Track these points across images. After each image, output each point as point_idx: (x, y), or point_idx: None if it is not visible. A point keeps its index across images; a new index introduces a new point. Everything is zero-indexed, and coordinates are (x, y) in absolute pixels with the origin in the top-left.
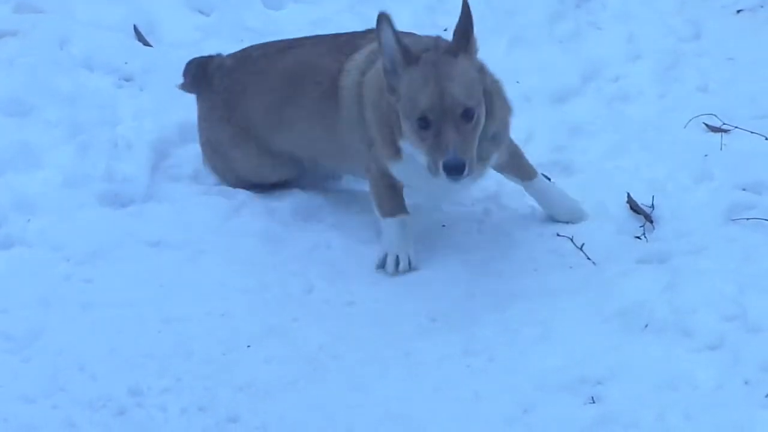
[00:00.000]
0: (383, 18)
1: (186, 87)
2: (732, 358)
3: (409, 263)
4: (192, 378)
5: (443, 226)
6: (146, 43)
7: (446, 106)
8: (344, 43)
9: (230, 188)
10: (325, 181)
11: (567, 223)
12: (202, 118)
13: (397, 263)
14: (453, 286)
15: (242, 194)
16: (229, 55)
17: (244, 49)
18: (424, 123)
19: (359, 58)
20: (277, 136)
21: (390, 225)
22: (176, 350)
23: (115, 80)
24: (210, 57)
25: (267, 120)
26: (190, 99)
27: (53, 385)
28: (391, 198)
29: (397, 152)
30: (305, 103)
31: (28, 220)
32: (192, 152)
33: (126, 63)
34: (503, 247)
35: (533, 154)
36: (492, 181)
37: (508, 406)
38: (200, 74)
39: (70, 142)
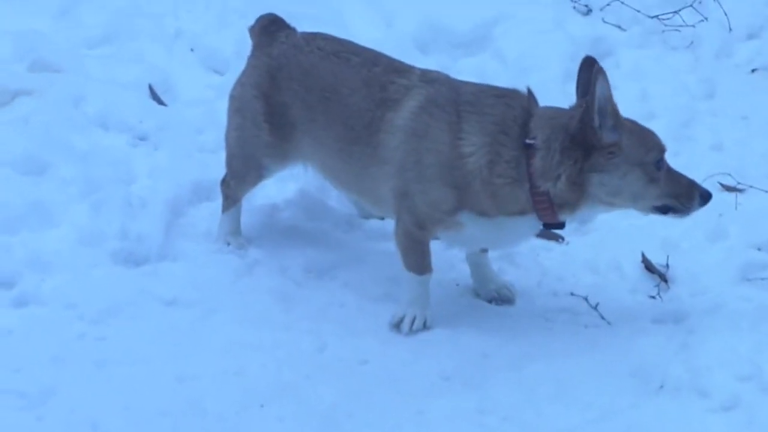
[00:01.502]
0: (600, 72)
1: (252, 31)
2: (747, 419)
3: (425, 323)
4: None
5: (457, 284)
6: (161, 102)
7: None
8: (387, 82)
9: (243, 247)
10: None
11: (500, 302)
12: (245, 71)
13: (413, 322)
14: (466, 345)
15: (255, 252)
16: (302, 33)
17: (315, 34)
18: (660, 164)
19: (413, 107)
20: (304, 138)
21: (414, 280)
22: (190, 408)
23: (129, 139)
24: (284, 22)
25: (301, 113)
26: (205, 158)
27: None
28: (422, 254)
29: (516, 212)
30: (341, 129)
31: (42, 279)
32: (206, 211)
33: (141, 122)
34: (517, 306)
35: None
36: None
37: None
38: (269, 30)
39: (84, 200)
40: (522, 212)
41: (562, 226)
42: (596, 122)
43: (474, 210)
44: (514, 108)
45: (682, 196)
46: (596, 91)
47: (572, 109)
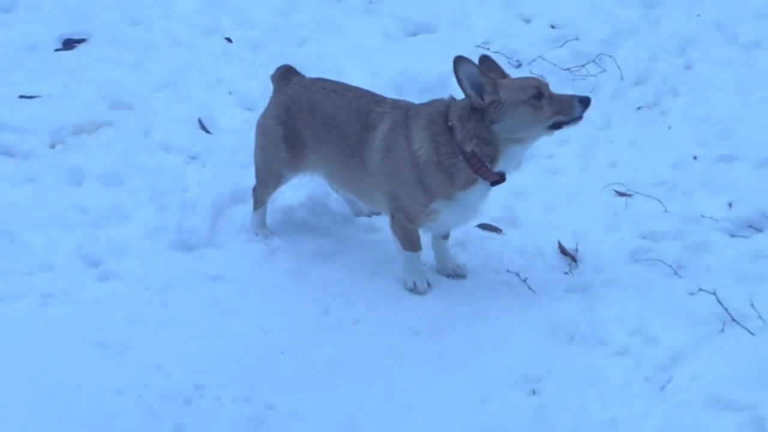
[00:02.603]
0: (460, 60)
1: (273, 78)
2: (635, 362)
3: (428, 283)
4: (240, 377)
5: (424, 264)
6: (207, 131)
7: (545, 83)
8: (369, 111)
9: (268, 237)
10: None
11: (456, 277)
12: (267, 107)
13: (422, 285)
14: (431, 309)
15: (277, 241)
16: (309, 77)
17: (319, 78)
18: (539, 95)
19: (385, 129)
20: (312, 154)
21: (411, 257)
22: (228, 356)
23: (184, 158)
24: (296, 71)
25: (310, 136)
26: (241, 172)
27: (138, 382)
28: (415, 239)
29: (467, 184)
30: (339, 148)
31: (120, 260)
32: (241, 211)
33: (193, 146)
34: (468, 280)
35: (491, 212)
36: (460, 233)
37: (471, 397)
38: (286, 76)
39: (151, 204)
40: (471, 181)
41: (503, 178)
42: (473, 94)
43: (442, 196)
44: (438, 107)
45: (565, 109)
46: (458, 74)
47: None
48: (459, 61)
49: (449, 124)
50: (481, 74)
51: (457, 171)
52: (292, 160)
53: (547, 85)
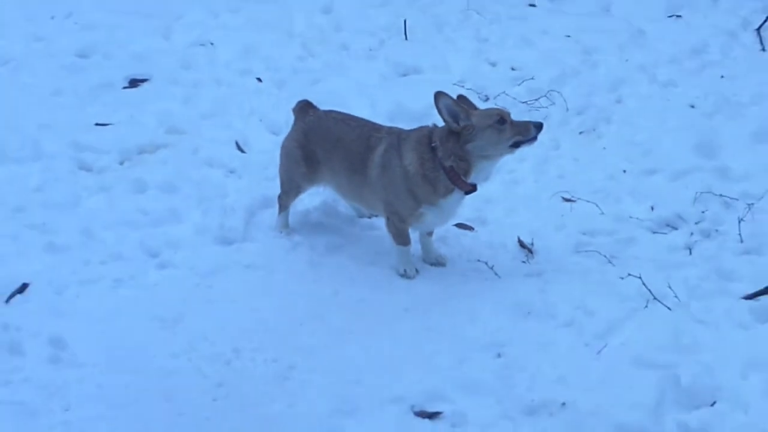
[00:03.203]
0: (440, 94)
1: (294, 110)
2: (577, 331)
3: (416, 270)
4: (269, 343)
5: (412, 255)
6: (242, 151)
7: (507, 112)
8: (369, 136)
9: (290, 234)
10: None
11: (437, 265)
12: (290, 132)
13: (411, 271)
14: (418, 290)
15: (297, 237)
16: (323, 110)
17: (330, 110)
18: (502, 121)
19: (381, 150)
20: (324, 170)
21: (403, 250)
22: (259, 327)
23: (224, 172)
24: (312, 104)
25: (322, 157)
26: (269, 183)
27: (189, 347)
28: (405, 236)
29: (447, 192)
30: (345, 165)
31: (175, 252)
32: (269, 214)
33: (231, 162)
34: (447, 267)
35: (465, 214)
36: (441, 231)
37: (450, 359)
38: (304, 109)
39: (198, 208)
40: (449, 190)
41: (475, 188)
42: (450, 120)
43: (427, 203)
44: (424, 132)
45: (523, 131)
46: (438, 105)
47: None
48: (439, 95)
49: (433, 145)
50: (456, 105)
51: (439, 182)
52: (308, 174)
53: (508, 114)
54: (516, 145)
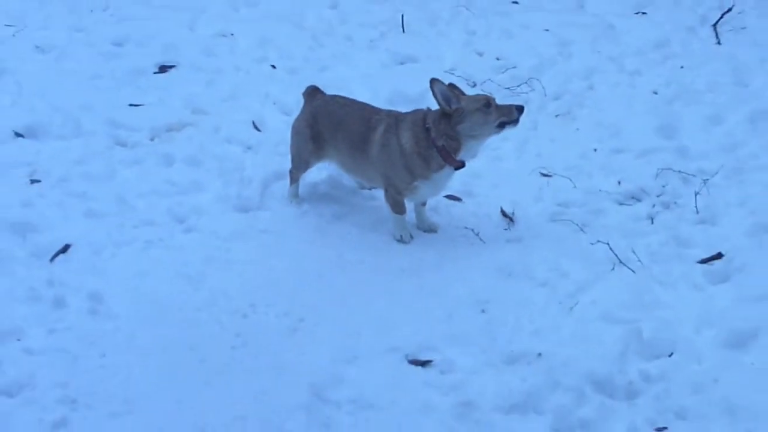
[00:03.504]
0: (435, 81)
1: (304, 94)
2: (552, 291)
3: (411, 235)
4: (281, 299)
5: (408, 223)
6: (258, 130)
7: (493, 97)
8: (370, 118)
9: (300, 204)
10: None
11: (429, 231)
12: (299, 114)
13: (406, 237)
14: (412, 253)
15: (306, 206)
16: (329, 95)
17: (335, 95)
18: (488, 104)
19: (381, 131)
20: (330, 148)
21: (399, 218)
22: (272, 284)
23: (242, 148)
24: (320, 89)
25: (328, 136)
26: (281, 158)
27: (210, 302)
28: (402, 205)
29: (439, 168)
30: (349, 143)
31: (198, 218)
32: (281, 185)
33: (249, 140)
34: (438, 234)
35: (455, 187)
36: (433, 202)
37: (440, 314)
38: (312, 93)
39: (219, 179)
40: (441, 166)
41: (463, 164)
42: (444, 103)
43: (421, 177)
44: (419, 115)
45: (507, 114)
46: (434, 90)
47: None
48: (434, 81)
49: (426, 126)
50: (449, 90)
51: (432, 159)
52: (316, 152)
53: (494, 99)
54: (501, 126)
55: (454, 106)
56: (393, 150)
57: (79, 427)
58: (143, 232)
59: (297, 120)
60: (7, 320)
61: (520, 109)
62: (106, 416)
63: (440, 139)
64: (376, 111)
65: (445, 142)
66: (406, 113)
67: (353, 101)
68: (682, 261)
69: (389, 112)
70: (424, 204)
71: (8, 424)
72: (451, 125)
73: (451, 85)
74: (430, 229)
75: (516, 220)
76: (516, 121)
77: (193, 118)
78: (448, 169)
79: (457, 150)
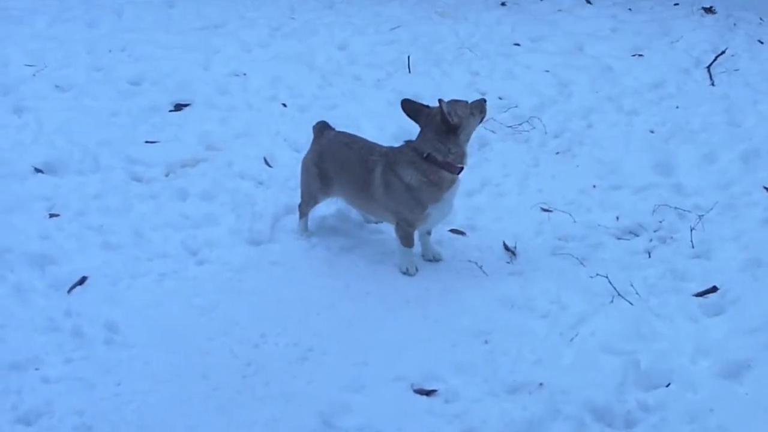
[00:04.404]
0: (442, 101)
1: (314, 129)
2: (552, 322)
3: (416, 268)
4: (290, 327)
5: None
6: (269, 166)
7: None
8: (367, 159)
9: (309, 237)
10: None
11: (434, 261)
12: (308, 151)
13: (412, 269)
14: (419, 286)
15: (315, 239)
16: (335, 131)
17: (341, 132)
18: (473, 108)
19: (379, 173)
20: (336, 185)
21: (407, 251)
22: (282, 314)
23: (254, 183)
24: (328, 125)
25: (334, 175)
26: (292, 193)
27: (222, 331)
28: (411, 238)
29: (450, 184)
30: (353, 183)
31: (211, 250)
32: (291, 219)
33: (260, 175)
34: (443, 266)
35: (458, 221)
36: (437, 235)
37: (445, 343)
38: (320, 129)
39: (232, 213)
40: (450, 182)
41: (462, 169)
42: (452, 118)
43: (433, 202)
44: (408, 150)
45: (483, 109)
46: (443, 107)
47: (425, 133)
48: (442, 101)
49: (425, 155)
50: (451, 107)
51: (442, 180)
52: (323, 189)
53: (467, 102)
54: (481, 121)
55: (456, 121)
56: (397, 189)
57: None
58: (158, 264)
59: (305, 157)
60: (26, 350)
61: (484, 102)
62: None
63: (447, 157)
64: (369, 151)
65: (449, 157)
66: (395, 152)
67: (355, 139)
68: (679, 294)
69: (380, 151)
70: (429, 233)
71: None
72: (455, 140)
73: (406, 101)
74: (435, 258)
75: (518, 253)
76: (486, 114)
77: (207, 154)
78: (454, 180)
79: (462, 157)
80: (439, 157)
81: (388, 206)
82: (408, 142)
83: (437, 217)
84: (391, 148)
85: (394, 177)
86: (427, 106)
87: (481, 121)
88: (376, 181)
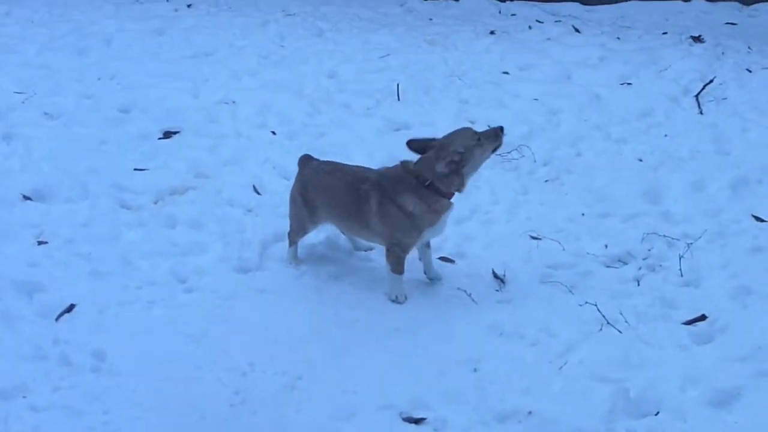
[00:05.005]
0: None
1: (298, 163)
2: (542, 350)
3: (405, 297)
4: (279, 357)
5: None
6: (258, 193)
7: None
8: (359, 187)
9: (298, 264)
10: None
11: (435, 279)
12: (294, 182)
13: (401, 297)
14: (408, 314)
15: (304, 267)
16: (319, 161)
17: (324, 161)
18: (480, 138)
19: (375, 203)
20: (323, 214)
21: (396, 278)
22: (271, 343)
23: (243, 211)
24: (312, 157)
25: (319, 204)
26: (281, 221)
27: (210, 359)
28: (402, 264)
29: (447, 209)
30: (342, 211)
31: (200, 278)
32: (280, 247)
33: (249, 202)
34: (432, 294)
35: (448, 249)
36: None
37: (434, 371)
38: (305, 161)
39: (220, 241)
40: (447, 207)
41: (452, 195)
42: (455, 157)
43: (430, 226)
44: (404, 175)
45: (494, 139)
46: (450, 145)
47: (428, 160)
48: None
49: (426, 183)
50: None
51: (441, 206)
52: (311, 218)
53: (475, 131)
54: (495, 150)
55: (456, 158)
56: (398, 218)
57: None
58: (146, 292)
59: (292, 188)
60: (14, 378)
61: (501, 130)
62: None
63: (450, 189)
64: (360, 178)
65: (456, 190)
66: (388, 179)
67: (338, 168)
68: (668, 322)
69: (371, 180)
70: (428, 246)
71: None
72: (460, 172)
73: (412, 141)
74: (436, 277)
75: (507, 281)
76: (501, 143)
77: (196, 182)
78: (450, 205)
79: (462, 186)
80: (443, 188)
81: (383, 233)
82: (405, 164)
83: (429, 236)
84: (382, 173)
85: (393, 207)
86: (433, 139)
87: (495, 150)
88: (372, 210)
